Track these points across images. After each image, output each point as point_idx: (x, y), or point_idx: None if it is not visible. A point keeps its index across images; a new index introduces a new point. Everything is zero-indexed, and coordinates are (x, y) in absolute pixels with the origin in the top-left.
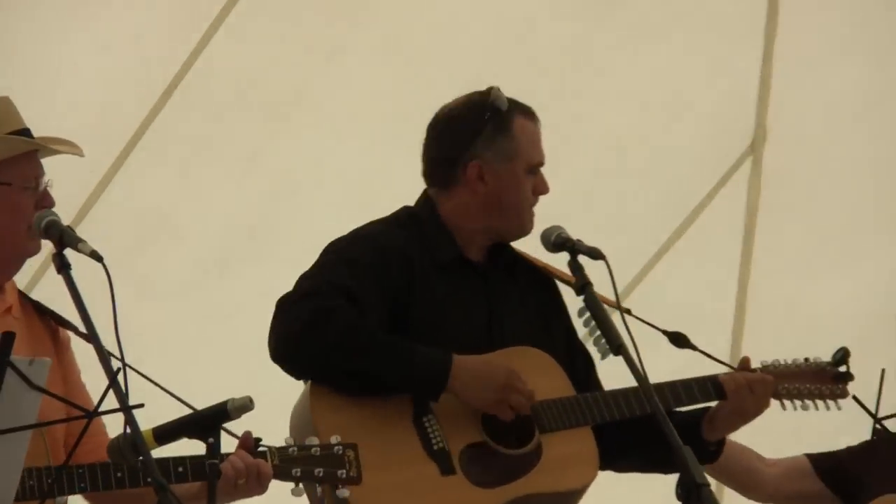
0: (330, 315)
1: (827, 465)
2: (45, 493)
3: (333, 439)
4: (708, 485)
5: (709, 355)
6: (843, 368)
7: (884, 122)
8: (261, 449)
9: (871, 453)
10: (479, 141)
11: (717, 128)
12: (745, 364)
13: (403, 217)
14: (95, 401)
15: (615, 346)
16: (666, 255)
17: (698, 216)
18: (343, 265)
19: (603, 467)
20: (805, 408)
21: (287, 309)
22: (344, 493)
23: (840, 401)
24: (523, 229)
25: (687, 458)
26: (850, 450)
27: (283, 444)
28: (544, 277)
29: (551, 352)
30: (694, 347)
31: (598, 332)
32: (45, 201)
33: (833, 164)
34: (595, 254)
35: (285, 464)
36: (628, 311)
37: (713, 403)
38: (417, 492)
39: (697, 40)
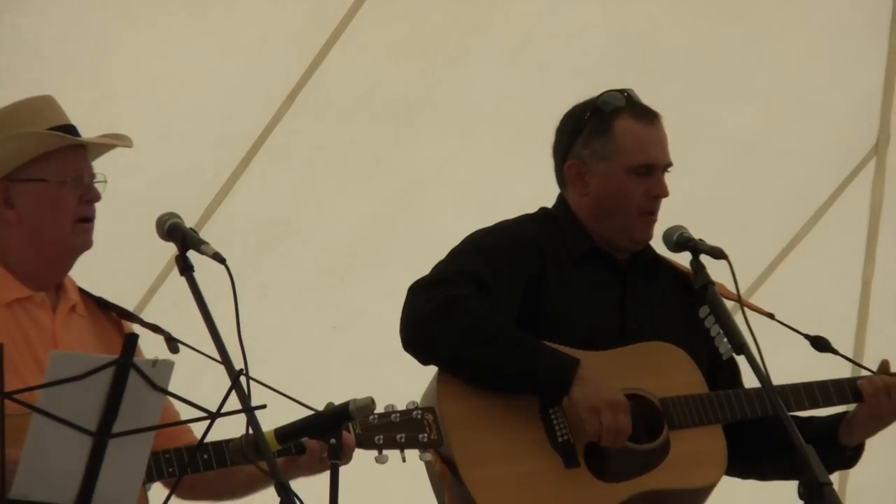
0: (460, 302)
1: None
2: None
3: (411, 405)
4: (830, 483)
5: (850, 359)
6: None
7: None
8: None
9: None
10: (578, 141)
11: (841, 130)
12: (884, 367)
13: (539, 214)
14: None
15: (738, 345)
16: (789, 255)
17: (821, 217)
18: (477, 254)
19: (736, 474)
20: None
21: (419, 293)
22: (426, 456)
23: None
24: (630, 234)
25: (809, 457)
26: None
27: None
28: (690, 282)
29: (688, 350)
30: (835, 351)
31: (720, 332)
32: (89, 195)
33: None
34: (717, 253)
35: (368, 432)
36: (770, 316)
37: (849, 407)
38: (541, 484)
39: (821, 43)
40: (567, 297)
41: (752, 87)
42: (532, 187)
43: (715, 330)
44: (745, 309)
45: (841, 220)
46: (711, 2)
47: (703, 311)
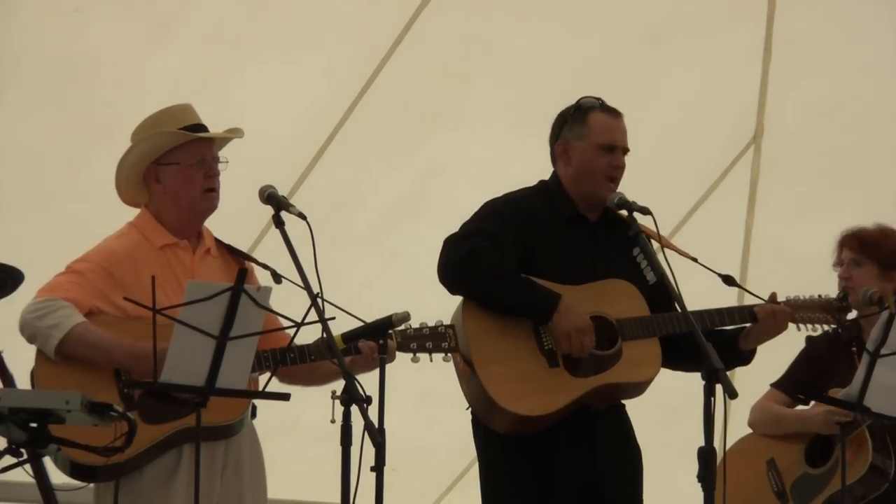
0: (480, 253)
1: (792, 386)
2: (269, 367)
3: (438, 322)
4: (724, 369)
5: (750, 292)
6: (844, 304)
7: (848, 119)
8: None
9: (807, 358)
10: (565, 127)
11: (730, 125)
12: (772, 297)
13: (540, 187)
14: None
15: (658, 274)
16: (695, 213)
17: (717, 187)
18: (494, 217)
19: (669, 367)
20: (814, 330)
21: (453, 244)
22: (449, 358)
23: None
24: (597, 194)
25: (709, 351)
26: (796, 365)
27: (402, 326)
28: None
29: (635, 282)
30: (739, 286)
31: (648, 265)
32: (210, 172)
33: (811, 150)
34: (645, 211)
35: (405, 341)
36: (694, 259)
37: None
38: (531, 378)
39: (715, 63)
40: (554, 250)
41: (667, 96)
42: (519, 169)
43: (644, 263)
44: (665, 248)
45: (730, 188)
46: (637, 38)
47: (636, 250)
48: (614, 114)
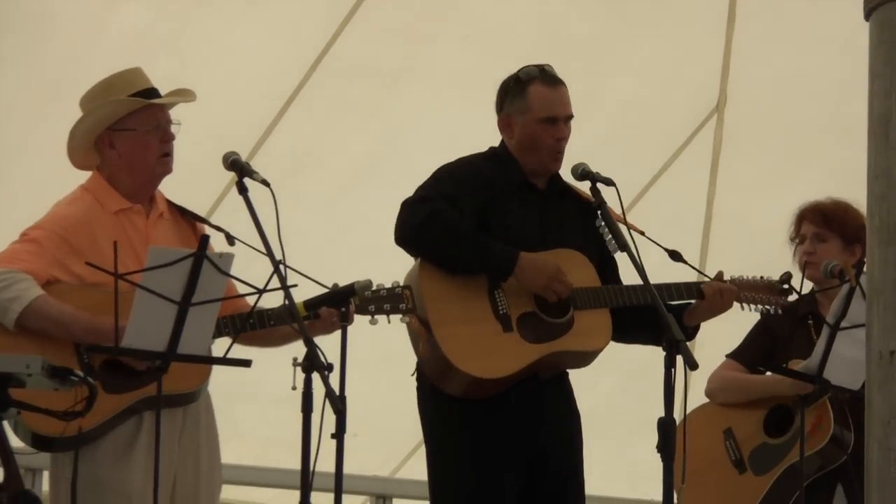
0: (438, 215)
1: (749, 358)
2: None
3: (395, 283)
4: (685, 340)
5: (697, 269)
6: (786, 286)
7: (811, 90)
8: None
9: (765, 330)
10: (506, 101)
11: (693, 94)
12: (719, 276)
13: (490, 153)
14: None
15: (621, 244)
16: (657, 181)
17: (680, 155)
18: (450, 180)
19: (615, 340)
20: (757, 309)
21: (409, 207)
22: (405, 319)
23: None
24: (543, 165)
25: (671, 322)
26: (753, 336)
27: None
28: (587, 203)
29: (585, 253)
30: (685, 262)
31: (610, 236)
32: (165, 137)
33: (774, 120)
34: (608, 181)
35: (363, 303)
36: (642, 233)
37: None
38: (486, 341)
39: (679, 32)
40: (505, 216)
41: (631, 64)
42: (478, 133)
43: (607, 235)
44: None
45: (693, 157)
46: (601, 5)
47: (599, 221)
48: (554, 83)
